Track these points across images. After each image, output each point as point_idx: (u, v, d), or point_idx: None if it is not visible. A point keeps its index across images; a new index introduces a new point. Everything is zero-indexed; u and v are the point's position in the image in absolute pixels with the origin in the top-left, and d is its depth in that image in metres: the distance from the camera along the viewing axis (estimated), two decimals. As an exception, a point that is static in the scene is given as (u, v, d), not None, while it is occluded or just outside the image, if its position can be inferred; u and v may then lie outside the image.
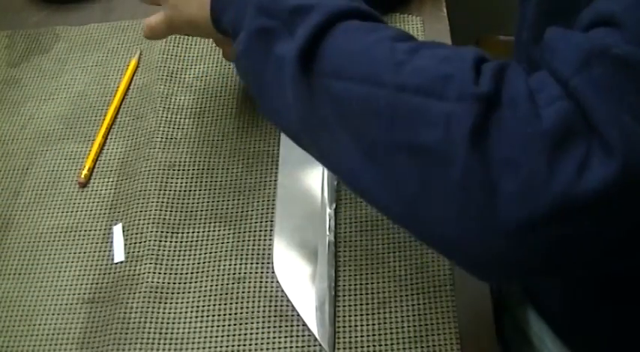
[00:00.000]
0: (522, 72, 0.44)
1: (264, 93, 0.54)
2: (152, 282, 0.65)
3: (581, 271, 0.50)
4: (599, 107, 0.39)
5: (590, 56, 0.40)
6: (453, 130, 0.42)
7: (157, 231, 0.68)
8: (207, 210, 0.70)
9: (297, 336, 0.62)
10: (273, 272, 0.65)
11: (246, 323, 0.63)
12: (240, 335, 0.62)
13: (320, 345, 0.61)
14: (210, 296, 0.65)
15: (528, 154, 0.40)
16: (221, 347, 0.62)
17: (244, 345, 0.61)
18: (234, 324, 0.63)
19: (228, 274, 0.66)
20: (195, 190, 0.71)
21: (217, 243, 0.68)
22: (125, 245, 0.69)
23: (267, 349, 0.61)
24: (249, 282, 0.65)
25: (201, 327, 0.63)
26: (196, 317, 0.64)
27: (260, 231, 0.68)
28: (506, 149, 0.41)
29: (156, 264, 0.66)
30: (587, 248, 0.43)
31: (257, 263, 0.66)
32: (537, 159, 0.40)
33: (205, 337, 0.62)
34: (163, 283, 0.65)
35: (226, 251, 0.67)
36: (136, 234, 0.69)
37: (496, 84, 0.42)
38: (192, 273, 0.66)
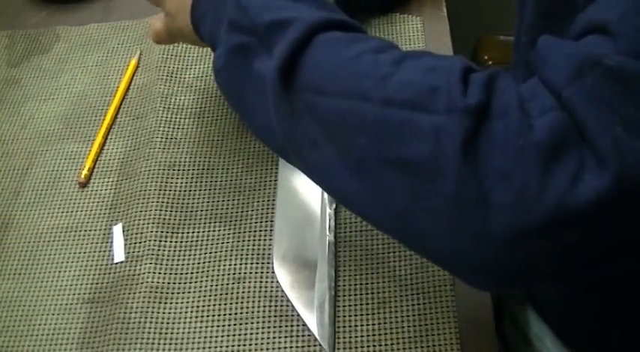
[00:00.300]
0: (513, 81, 0.43)
1: (246, 110, 0.53)
2: (152, 282, 0.65)
3: (576, 278, 0.50)
4: (591, 119, 0.39)
5: (583, 67, 0.40)
6: (443, 144, 0.41)
7: (157, 231, 0.68)
8: (207, 210, 0.70)
9: (297, 336, 0.62)
10: (273, 272, 0.65)
11: (246, 323, 0.63)
12: (240, 335, 0.62)
13: (320, 345, 0.61)
14: (210, 296, 0.65)
15: (521, 166, 0.40)
16: (221, 347, 0.62)
17: (244, 345, 0.61)
18: (234, 324, 0.63)
19: (228, 274, 0.66)
20: (195, 190, 0.71)
21: (217, 243, 0.68)
22: (125, 245, 0.69)
23: (267, 349, 0.61)
24: (249, 282, 0.65)
25: (201, 327, 0.63)
26: (196, 317, 0.64)
27: (260, 231, 0.68)
28: (499, 161, 0.40)
29: (156, 264, 0.66)
30: (581, 256, 0.43)
31: (257, 263, 0.66)
32: (530, 170, 0.40)
33: (205, 337, 0.62)
34: (163, 283, 0.65)
35: (226, 251, 0.67)
36: (136, 234, 0.69)
37: (486, 94, 0.42)
38: (192, 273, 0.66)
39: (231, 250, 0.67)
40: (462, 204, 0.41)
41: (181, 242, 0.68)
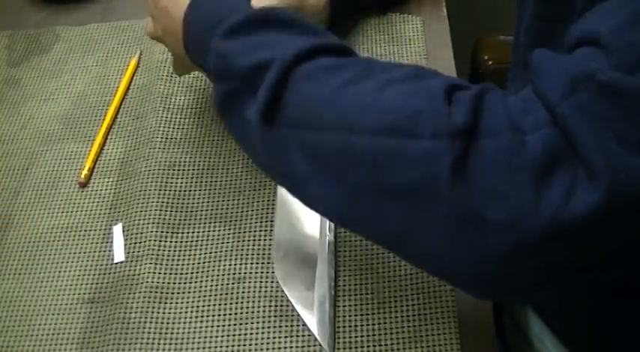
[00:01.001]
0: (502, 97, 0.43)
1: (247, 148, 0.55)
2: (152, 282, 0.65)
3: (572, 286, 0.51)
4: (584, 134, 0.39)
5: (577, 82, 0.40)
6: (433, 168, 0.41)
7: (156, 231, 0.68)
8: (207, 210, 0.70)
9: (297, 336, 0.62)
10: (273, 272, 0.65)
11: (246, 323, 0.63)
12: (240, 335, 0.62)
13: (320, 345, 0.61)
14: (210, 296, 0.65)
15: (514, 184, 0.40)
16: (221, 347, 0.62)
17: (244, 345, 0.61)
18: (234, 324, 0.63)
19: (228, 274, 0.66)
20: (195, 190, 0.71)
21: (217, 243, 0.68)
22: (125, 245, 0.69)
23: (267, 349, 0.61)
24: (249, 282, 0.65)
25: (201, 327, 0.63)
26: (196, 317, 0.64)
27: (260, 231, 0.68)
28: (491, 180, 0.41)
29: (156, 264, 0.66)
30: (576, 267, 0.44)
31: (257, 263, 0.66)
32: (524, 188, 0.40)
33: (205, 337, 0.62)
34: (163, 283, 0.65)
35: (226, 251, 0.67)
36: (136, 234, 0.69)
37: (473, 114, 0.42)
38: (192, 273, 0.66)
39: (231, 250, 0.67)
40: (458, 224, 0.42)
41: (181, 242, 0.68)
